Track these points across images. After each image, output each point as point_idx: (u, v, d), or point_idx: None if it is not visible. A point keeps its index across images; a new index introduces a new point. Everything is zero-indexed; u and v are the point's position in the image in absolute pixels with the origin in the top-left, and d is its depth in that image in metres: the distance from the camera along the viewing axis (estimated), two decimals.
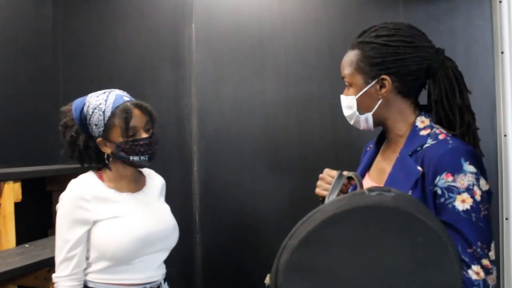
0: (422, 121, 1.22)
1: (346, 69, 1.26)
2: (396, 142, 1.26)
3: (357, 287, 0.86)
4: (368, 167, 1.37)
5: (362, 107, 1.24)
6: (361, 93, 1.23)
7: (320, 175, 1.28)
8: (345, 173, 1.16)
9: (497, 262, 1.08)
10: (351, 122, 1.30)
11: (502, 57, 2.03)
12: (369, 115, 1.25)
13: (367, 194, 0.91)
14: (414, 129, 1.21)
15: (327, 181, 1.24)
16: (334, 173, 1.21)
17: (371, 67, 1.20)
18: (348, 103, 1.27)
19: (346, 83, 1.27)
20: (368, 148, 1.44)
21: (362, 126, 1.28)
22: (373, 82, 1.21)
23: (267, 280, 1.17)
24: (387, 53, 1.19)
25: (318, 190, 1.27)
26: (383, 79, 1.20)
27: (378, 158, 1.35)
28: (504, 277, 1.96)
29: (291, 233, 0.90)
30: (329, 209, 0.89)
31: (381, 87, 1.21)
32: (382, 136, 1.38)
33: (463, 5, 2.14)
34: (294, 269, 0.87)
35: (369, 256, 0.86)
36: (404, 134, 1.24)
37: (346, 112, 1.29)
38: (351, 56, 1.25)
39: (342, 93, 1.30)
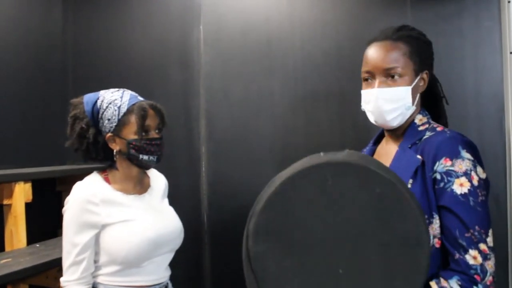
0: (420, 119, 1.26)
1: (399, 59, 1.21)
2: (395, 140, 1.30)
3: (324, 242, 0.90)
4: None
5: (412, 99, 1.23)
6: (414, 83, 1.22)
7: None
8: None
9: (497, 257, 1.10)
10: (391, 116, 1.22)
11: (510, 57, 2.03)
12: (414, 108, 1.25)
13: (322, 155, 0.96)
14: (413, 126, 1.25)
15: None
16: None
17: (421, 61, 1.24)
18: (400, 94, 1.21)
19: (398, 73, 1.20)
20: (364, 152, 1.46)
21: (400, 120, 1.23)
22: (420, 75, 1.25)
23: None
24: (430, 52, 1.28)
25: None
26: (426, 73, 1.26)
27: (375, 157, 1.37)
28: None
29: (257, 200, 0.96)
30: (286, 171, 0.95)
31: (419, 81, 1.26)
32: (378, 138, 1.41)
33: (471, 5, 2.13)
34: (261, 231, 0.92)
35: (331, 211, 0.90)
36: (403, 131, 1.27)
37: (391, 105, 1.21)
38: (401, 46, 1.22)
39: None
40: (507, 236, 2.02)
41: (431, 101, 1.34)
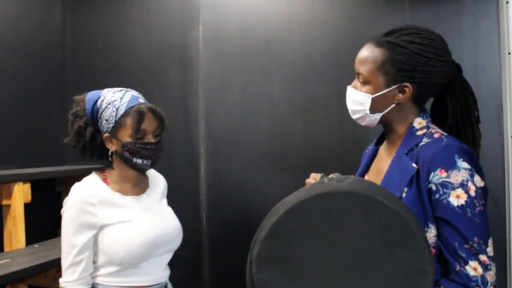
0: (419, 122, 1.22)
1: (367, 66, 1.20)
2: (393, 142, 1.27)
3: (327, 272, 0.89)
4: (367, 168, 1.37)
5: (374, 107, 1.21)
6: (378, 94, 1.20)
7: (307, 180, 1.28)
8: (331, 176, 1.17)
9: (496, 259, 1.08)
10: (355, 116, 1.27)
11: (509, 57, 2.03)
12: (379, 116, 1.23)
13: (326, 182, 0.95)
14: (411, 130, 1.21)
15: None
16: (319, 176, 1.21)
17: (397, 72, 1.17)
18: (360, 99, 1.22)
19: (361, 80, 1.22)
20: (367, 151, 1.45)
21: (366, 122, 1.26)
22: (394, 87, 1.19)
23: None
24: (418, 63, 1.16)
25: None
26: (405, 86, 1.18)
27: (376, 159, 1.36)
28: None
29: (260, 227, 0.95)
30: (290, 199, 0.94)
31: (399, 92, 1.19)
32: (381, 138, 1.38)
33: (470, 5, 2.13)
34: (265, 259, 0.91)
35: (335, 241, 0.89)
36: (401, 135, 1.24)
37: (354, 107, 1.25)
38: (376, 53, 1.19)
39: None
40: (507, 238, 2.02)
41: (438, 107, 1.29)
